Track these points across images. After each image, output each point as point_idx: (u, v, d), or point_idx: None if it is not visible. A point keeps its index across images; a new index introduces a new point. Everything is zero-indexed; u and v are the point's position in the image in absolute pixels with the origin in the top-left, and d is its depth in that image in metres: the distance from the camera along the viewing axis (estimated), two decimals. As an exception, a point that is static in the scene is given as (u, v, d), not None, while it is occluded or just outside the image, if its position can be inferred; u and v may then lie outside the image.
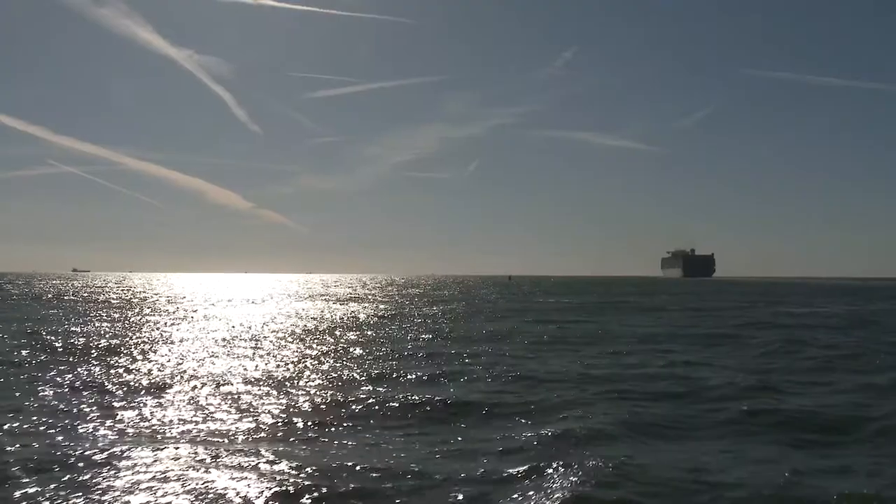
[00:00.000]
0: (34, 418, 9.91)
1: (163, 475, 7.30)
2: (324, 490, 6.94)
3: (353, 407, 10.89)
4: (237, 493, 6.83)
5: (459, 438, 9.18)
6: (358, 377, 13.84)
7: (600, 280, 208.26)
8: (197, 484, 7.05)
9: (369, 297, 58.81)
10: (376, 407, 10.92)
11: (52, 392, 11.93)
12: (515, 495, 6.82)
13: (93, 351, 17.47)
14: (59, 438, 8.85)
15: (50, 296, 54.23)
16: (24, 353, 16.88)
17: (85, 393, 11.88)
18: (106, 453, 8.05)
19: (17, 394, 11.61)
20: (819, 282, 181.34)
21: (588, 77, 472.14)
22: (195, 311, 36.66)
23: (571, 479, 7.15)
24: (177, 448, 8.37)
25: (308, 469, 7.60)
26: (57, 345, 18.63)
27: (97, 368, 14.56)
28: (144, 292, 66.12)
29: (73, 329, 23.95)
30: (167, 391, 12.09)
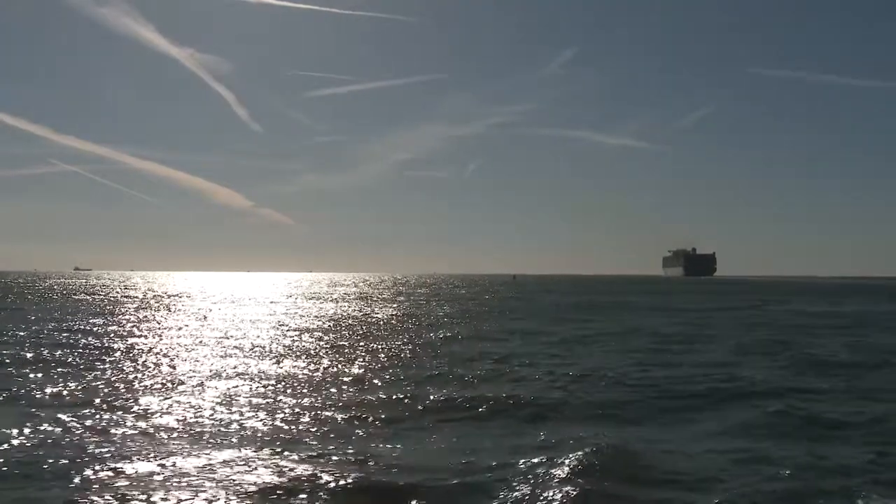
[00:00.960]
0: (85, 413, 10.33)
1: (234, 472, 7.53)
2: (418, 486, 7.24)
3: (416, 404, 11.34)
4: (320, 489, 7.07)
5: (524, 435, 9.63)
6: (409, 375, 14.31)
7: (603, 279, 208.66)
8: (273, 480, 7.25)
9: (382, 296, 59.29)
10: (437, 405, 11.38)
11: (102, 390, 12.32)
12: (579, 491, 7.16)
13: (132, 351, 17.91)
14: (114, 434, 9.22)
15: (66, 295, 54.71)
16: (61, 353, 17.26)
17: (135, 391, 12.28)
18: (174, 450, 8.36)
19: (65, 393, 12.00)
20: (821, 281, 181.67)
21: (588, 76, 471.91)
22: (210, 310, 37.14)
23: (629, 478, 7.59)
24: (244, 447, 8.62)
25: (390, 465, 7.94)
26: (93, 345, 19.09)
27: (141, 368, 14.99)
28: (158, 291, 66.61)
29: (107, 329, 24.45)
30: (221, 390, 12.44)
